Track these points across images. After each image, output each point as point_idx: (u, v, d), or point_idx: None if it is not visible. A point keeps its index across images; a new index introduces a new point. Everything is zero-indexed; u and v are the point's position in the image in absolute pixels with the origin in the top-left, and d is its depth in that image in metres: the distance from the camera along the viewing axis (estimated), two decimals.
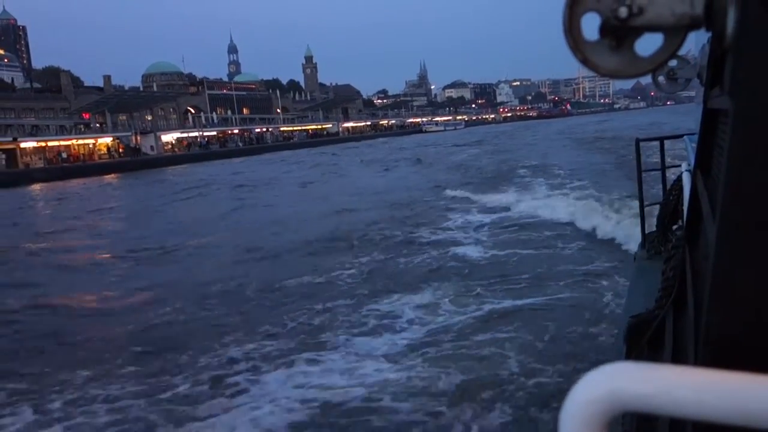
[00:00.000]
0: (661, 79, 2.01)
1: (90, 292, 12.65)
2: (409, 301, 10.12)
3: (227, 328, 9.51)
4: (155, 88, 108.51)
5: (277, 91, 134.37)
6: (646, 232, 6.03)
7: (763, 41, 0.74)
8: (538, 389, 6.54)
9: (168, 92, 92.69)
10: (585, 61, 0.73)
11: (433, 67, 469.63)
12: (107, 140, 70.10)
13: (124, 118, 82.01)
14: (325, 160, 54.94)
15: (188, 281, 12.78)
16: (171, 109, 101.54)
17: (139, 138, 70.04)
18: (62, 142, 65.47)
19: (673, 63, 1.89)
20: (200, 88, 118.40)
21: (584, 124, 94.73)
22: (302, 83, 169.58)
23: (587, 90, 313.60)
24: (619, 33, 0.72)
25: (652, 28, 0.71)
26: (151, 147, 73.31)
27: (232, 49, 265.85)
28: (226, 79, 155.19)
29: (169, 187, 40.37)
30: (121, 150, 69.65)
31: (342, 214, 20.78)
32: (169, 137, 78.89)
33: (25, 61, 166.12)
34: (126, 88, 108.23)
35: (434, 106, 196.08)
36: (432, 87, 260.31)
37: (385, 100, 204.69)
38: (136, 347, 8.98)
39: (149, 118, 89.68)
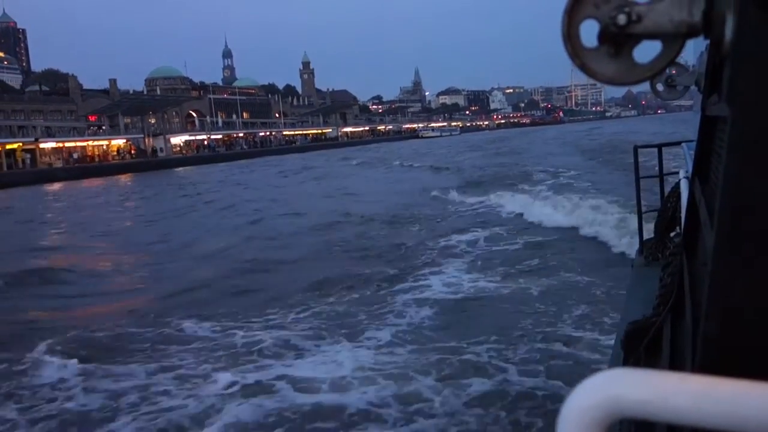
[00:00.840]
0: (659, 86, 2.06)
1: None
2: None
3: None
4: (159, 92, 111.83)
5: (276, 96, 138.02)
6: (644, 239, 6.08)
7: (761, 48, 0.74)
8: None
9: (179, 96, 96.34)
10: (583, 68, 0.74)
11: (426, 73, 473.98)
12: (119, 142, 73.32)
13: (129, 120, 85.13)
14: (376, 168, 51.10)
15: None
16: (174, 113, 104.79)
17: (152, 140, 73.25)
18: (79, 143, 68.66)
19: (671, 70, 1.89)
20: (202, 92, 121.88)
21: (578, 131, 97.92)
22: (298, 88, 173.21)
23: (579, 98, 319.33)
24: (618, 40, 0.72)
25: (651, 35, 0.72)
26: (161, 149, 76.65)
27: (227, 54, 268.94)
28: (220, 83, 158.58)
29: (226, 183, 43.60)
30: (132, 151, 72.93)
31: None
32: (177, 140, 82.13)
33: (24, 64, 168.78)
34: (130, 91, 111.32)
35: (429, 113, 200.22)
36: (426, 93, 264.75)
37: (379, 106, 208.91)
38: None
39: (152, 121, 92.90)
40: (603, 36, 0.72)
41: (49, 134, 69.56)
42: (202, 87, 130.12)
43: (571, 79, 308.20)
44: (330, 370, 7.62)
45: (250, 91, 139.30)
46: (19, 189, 48.53)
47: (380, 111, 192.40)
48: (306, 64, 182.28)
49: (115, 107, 75.49)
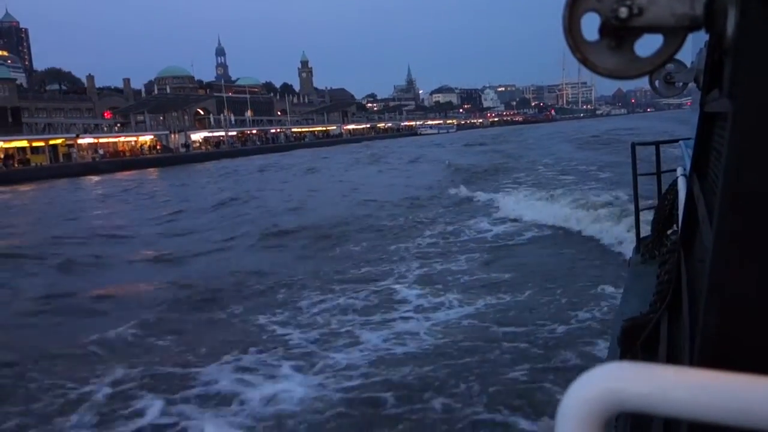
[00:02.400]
0: (657, 83, 2.04)
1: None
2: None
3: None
4: (168, 91, 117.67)
5: (276, 95, 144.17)
6: (641, 236, 6.09)
7: (763, 42, 0.74)
8: None
9: (199, 96, 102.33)
10: (584, 61, 0.75)
11: (418, 72, 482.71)
12: (146, 138, 79.36)
13: (143, 118, 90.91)
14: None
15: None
16: (182, 111, 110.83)
17: (177, 136, 79.38)
18: (111, 139, 74.65)
19: (670, 67, 1.96)
20: (207, 91, 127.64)
21: (576, 128, 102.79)
22: (294, 86, 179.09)
23: (570, 96, 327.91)
24: (619, 33, 0.73)
25: (652, 28, 0.72)
26: (181, 145, 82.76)
27: (220, 52, 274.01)
28: (212, 80, 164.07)
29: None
30: (158, 147, 78.99)
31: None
32: (197, 136, 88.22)
33: (27, 63, 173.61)
34: (142, 91, 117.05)
35: (424, 111, 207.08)
36: (420, 92, 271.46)
37: (375, 105, 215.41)
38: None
39: (161, 119, 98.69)
40: (604, 29, 0.73)
41: (86, 131, 75.41)
42: (208, 86, 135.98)
43: (562, 78, 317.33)
44: None
45: (253, 89, 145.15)
46: (62, 180, 53.74)
47: (375, 109, 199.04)
48: (304, 63, 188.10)
49: (141, 105, 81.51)
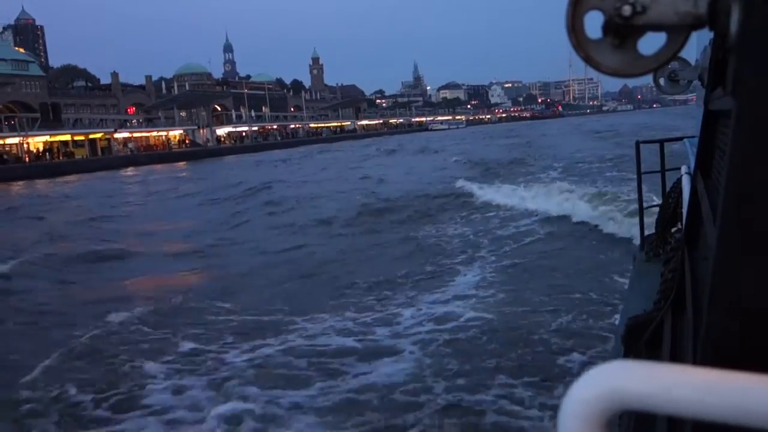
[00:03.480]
0: (662, 81, 2.07)
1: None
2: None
3: None
4: (188, 87, 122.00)
5: (291, 91, 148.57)
6: (645, 234, 6.18)
7: (767, 41, 0.75)
8: None
9: (222, 92, 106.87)
10: (587, 59, 0.75)
11: (425, 68, 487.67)
12: (176, 133, 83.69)
13: (162, 114, 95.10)
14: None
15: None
16: (205, 107, 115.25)
17: (205, 131, 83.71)
18: (144, 134, 79.02)
19: (674, 65, 2.00)
20: (224, 87, 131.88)
21: (584, 124, 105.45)
22: (304, 83, 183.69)
23: (576, 92, 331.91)
24: (622, 31, 0.73)
25: (655, 26, 0.73)
26: (208, 140, 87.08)
27: (228, 48, 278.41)
28: (221, 76, 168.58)
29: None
30: (187, 141, 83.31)
31: None
32: (221, 131, 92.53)
33: (43, 60, 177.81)
34: (162, 87, 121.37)
35: (432, 107, 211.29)
36: (427, 88, 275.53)
37: (383, 101, 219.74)
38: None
39: (182, 115, 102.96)
40: (607, 27, 0.73)
41: (121, 125, 79.79)
42: (225, 82, 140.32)
43: (569, 74, 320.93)
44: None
45: (267, 86, 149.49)
46: (102, 172, 58.01)
47: (384, 105, 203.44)
48: (315, 60, 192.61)
49: (170, 102, 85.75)
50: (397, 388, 6.87)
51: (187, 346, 8.79)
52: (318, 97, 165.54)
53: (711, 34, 1.24)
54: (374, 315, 9.66)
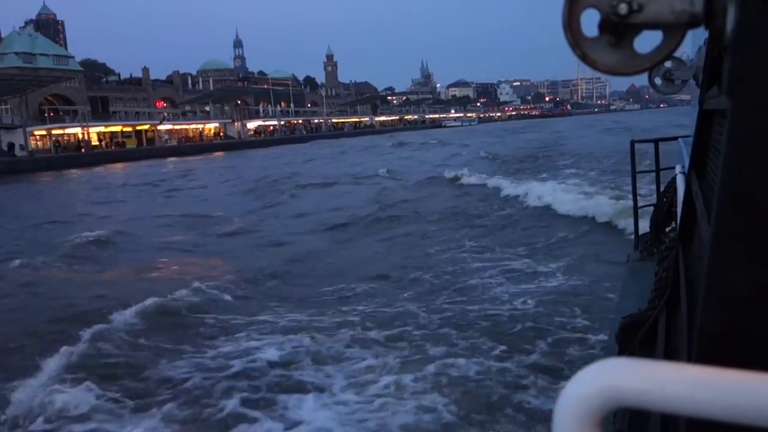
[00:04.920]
0: (657, 80, 2.08)
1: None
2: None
3: None
4: (211, 83, 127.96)
5: (308, 87, 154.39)
6: (640, 233, 6.19)
7: (762, 39, 0.76)
8: None
9: (249, 88, 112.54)
10: (584, 58, 0.76)
11: (434, 65, 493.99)
12: (211, 126, 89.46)
13: (189, 107, 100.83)
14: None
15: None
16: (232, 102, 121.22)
17: (238, 124, 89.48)
18: (184, 126, 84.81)
19: (669, 64, 2.02)
20: (246, 83, 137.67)
21: (596, 122, 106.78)
22: (317, 79, 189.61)
23: (584, 91, 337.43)
24: (619, 30, 0.74)
25: (652, 25, 0.73)
26: (239, 133, 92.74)
27: (238, 44, 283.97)
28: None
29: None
30: (221, 134, 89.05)
31: None
32: (251, 125, 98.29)
33: None
34: (187, 82, 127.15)
35: (443, 104, 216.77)
36: (437, 86, 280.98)
37: (394, 98, 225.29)
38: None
39: (207, 109, 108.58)
40: (604, 25, 0.74)
41: (165, 119, 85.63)
42: (246, 78, 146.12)
43: (577, 73, 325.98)
44: None
45: (285, 82, 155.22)
46: (148, 161, 63.34)
47: (395, 102, 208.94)
48: (329, 57, 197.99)
49: (206, 97, 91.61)
50: None
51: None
52: (333, 93, 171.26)
53: (706, 34, 1.29)
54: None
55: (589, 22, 0.74)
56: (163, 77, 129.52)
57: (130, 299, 10.11)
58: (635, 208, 6.48)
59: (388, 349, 7.72)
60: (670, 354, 1.75)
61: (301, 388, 6.75)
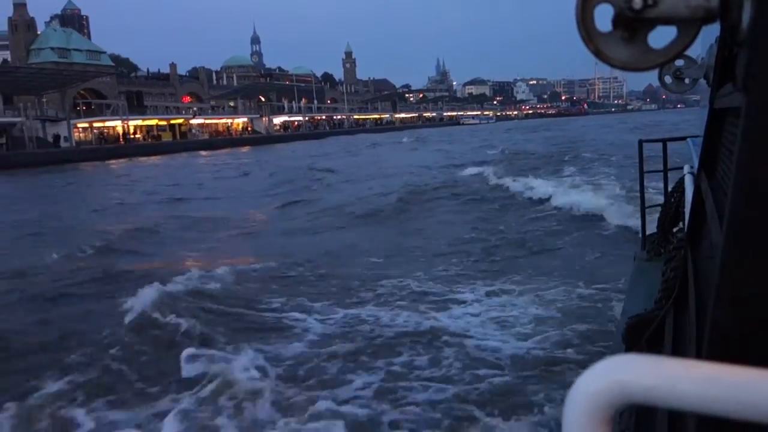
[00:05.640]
0: (667, 78, 2.09)
1: None
2: None
3: None
4: (235, 79, 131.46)
5: (328, 84, 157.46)
6: (647, 233, 6.19)
7: None
8: None
9: (272, 84, 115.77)
10: (597, 53, 0.75)
11: (449, 64, 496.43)
12: (239, 121, 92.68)
13: (213, 103, 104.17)
14: None
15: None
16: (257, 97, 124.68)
17: (266, 119, 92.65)
18: (213, 121, 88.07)
19: (679, 62, 2.03)
20: (268, 79, 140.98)
21: (617, 121, 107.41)
22: (334, 76, 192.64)
23: (601, 91, 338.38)
24: (633, 25, 0.74)
25: (666, 20, 0.73)
26: (266, 128, 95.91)
27: (255, 40, 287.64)
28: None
29: None
30: (249, 129, 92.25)
31: None
32: (278, 120, 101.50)
33: None
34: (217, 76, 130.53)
35: (460, 102, 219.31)
36: (453, 83, 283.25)
37: (410, 95, 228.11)
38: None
39: (232, 104, 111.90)
40: (617, 20, 0.73)
41: (196, 114, 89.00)
42: (268, 75, 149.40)
43: (594, 72, 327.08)
44: None
45: (306, 78, 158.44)
46: (183, 153, 66.17)
47: (411, 99, 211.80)
48: (348, 54, 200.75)
49: (234, 93, 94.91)
50: None
51: None
52: (352, 90, 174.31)
53: (717, 33, 1.31)
54: None
55: (603, 17, 0.74)
56: (183, 72, 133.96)
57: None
58: (642, 207, 6.50)
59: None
60: (678, 354, 1.76)
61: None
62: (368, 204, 20.89)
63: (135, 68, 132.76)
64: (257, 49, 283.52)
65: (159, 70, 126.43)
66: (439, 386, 6.41)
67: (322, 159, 47.41)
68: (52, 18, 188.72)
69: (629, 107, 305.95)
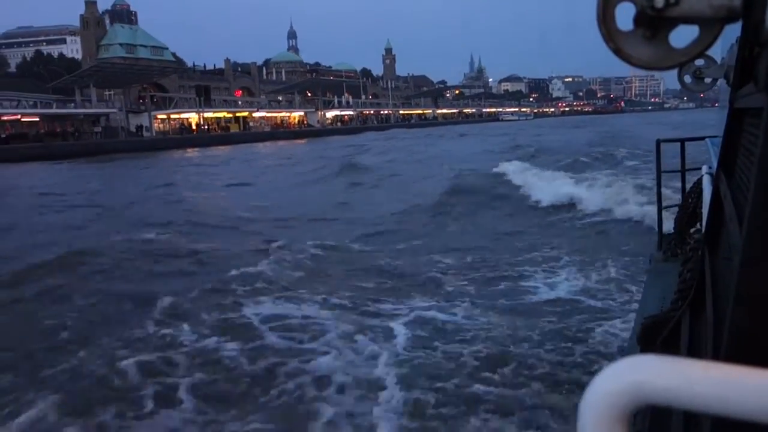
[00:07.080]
0: (687, 78, 2.07)
1: None
2: None
3: None
4: (283, 74, 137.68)
5: (369, 79, 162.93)
6: (663, 233, 6.20)
7: None
8: None
9: (320, 79, 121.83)
10: (618, 51, 0.75)
11: (484, 60, 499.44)
12: (296, 114, 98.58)
13: (264, 97, 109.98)
14: None
15: None
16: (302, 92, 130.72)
17: (321, 113, 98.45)
18: (273, 114, 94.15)
19: (699, 62, 1.94)
20: (313, 74, 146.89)
21: (653, 120, 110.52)
22: (373, 71, 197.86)
23: (638, 89, 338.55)
24: (654, 23, 0.73)
25: (688, 19, 0.72)
26: (318, 122, 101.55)
27: (292, 35, 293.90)
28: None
29: None
30: (305, 122, 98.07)
31: None
32: (330, 114, 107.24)
33: None
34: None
35: (497, 99, 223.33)
36: (489, 80, 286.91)
37: (447, 92, 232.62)
38: None
39: (279, 98, 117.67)
40: (639, 19, 0.73)
41: (260, 107, 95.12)
42: (314, 70, 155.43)
43: (630, 70, 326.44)
44: None
45: (349, 74, 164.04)
46: (243, 145, 71.54)
47: (448, 95, 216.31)
48: (388, 50, 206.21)
49: (292, 88, 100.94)
50: None
51: None
52: (393, 86, 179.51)
53: (737, 33, 1.30)
54: None
55: (624, 15, 0.74)
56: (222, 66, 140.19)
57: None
58: (659, 208, 6.48)
59: None
60: (694, 355, 1.74)
61: None
62: None
63: (182, 62, 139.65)
64: (293, 44, 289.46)
65: (203, 64, 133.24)
66: None
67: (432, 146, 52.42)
68: (103, 13, 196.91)
69: (666, 105, 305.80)
